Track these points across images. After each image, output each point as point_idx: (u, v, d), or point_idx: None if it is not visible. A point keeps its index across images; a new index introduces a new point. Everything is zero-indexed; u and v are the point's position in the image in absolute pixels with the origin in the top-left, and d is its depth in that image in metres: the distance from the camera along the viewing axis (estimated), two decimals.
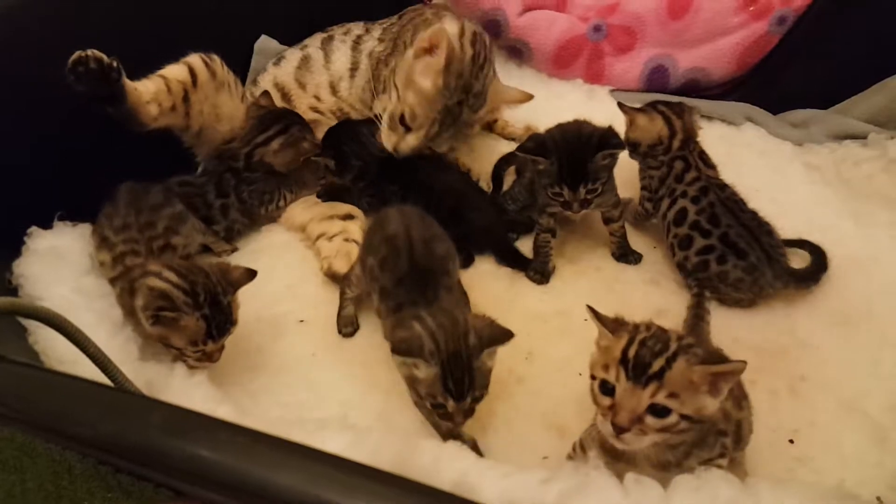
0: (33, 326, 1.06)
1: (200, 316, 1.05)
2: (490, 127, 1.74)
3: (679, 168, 1.34)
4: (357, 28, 1.68)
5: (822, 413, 1.10)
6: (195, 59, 1.40)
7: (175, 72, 1.36)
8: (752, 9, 1.66)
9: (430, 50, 1.35)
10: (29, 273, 1.14)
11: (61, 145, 1.28)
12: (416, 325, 1.00)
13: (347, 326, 1.28)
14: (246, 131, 1.46)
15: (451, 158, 1.56)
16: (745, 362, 0.78)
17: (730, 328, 1.22)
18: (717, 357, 0.83)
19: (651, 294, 1.33)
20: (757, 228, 1.27)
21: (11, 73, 1.25)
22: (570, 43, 1.79)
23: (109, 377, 0.92)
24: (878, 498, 0.94)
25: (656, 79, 1.77)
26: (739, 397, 0.93)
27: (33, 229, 1.20)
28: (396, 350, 0.99)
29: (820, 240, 1.38)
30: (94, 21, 1.40)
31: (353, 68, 1.63)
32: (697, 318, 1.18)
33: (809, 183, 1.51)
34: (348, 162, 1.47)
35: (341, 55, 1.65)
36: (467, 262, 1.40)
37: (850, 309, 1.26)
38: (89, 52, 1.16)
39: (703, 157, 1.37)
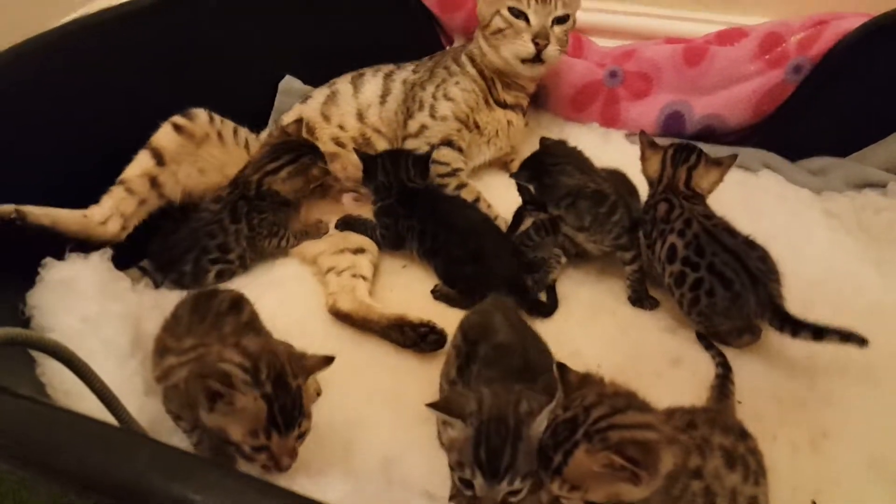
0: (41, 357, 1.06)
1: (261, 395, 0.86)
2: (507, 166, 1.75)
3: (663, 210, 1.31)
4: (388, 67, 1.75)
5: (846, 472, 1.05)
6: (161, 133, 1.43)
7: (134, 168, 1.39)
8: (767, 57, 1.66)
9: None
10: (41, 303, 1.14)
11: (75, 177, 1.32)
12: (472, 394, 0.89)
13: None
14: (258, 158, 1.48)
15: (475, 191, 1.59)
16: (635, 459, 0.74)
17: (749, 377, 1.19)
18: (634, 445, 0.76)
19: (667, 342, 1.30)
20: (746, 253, 1.23)
21: (30, 112, 1.30)
22: (586, 87, 1.81)
23: (113, 413, 0.91)
24: None
25: (672, 124, 1.77)
26: (758, 473, 0.90)
27: (47, 260, 1.21)
28: (435, 405, 0.87)
29: (840, 288, 1.36)
30: (117, 65, 1.46)
31: (384, 95, 1.69)
32: (723, 395, 1.15)
33: (829, 230, 1.48)
34: (374, 173, 1.49)
35: (372, 86, 1.70)
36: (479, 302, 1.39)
37: (873, 361, 1.21)
38: None
39: (691, 199, 1.31)
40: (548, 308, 1.37)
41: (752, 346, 1.28)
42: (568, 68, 1.81)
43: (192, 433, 1.00)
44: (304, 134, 1.62)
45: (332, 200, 1.62)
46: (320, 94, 1.72)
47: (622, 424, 0.78)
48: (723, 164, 1.33)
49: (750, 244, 1.25)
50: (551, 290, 1.41)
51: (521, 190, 1.39)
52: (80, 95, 1.38)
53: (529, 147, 1.60)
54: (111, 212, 1.34)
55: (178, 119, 1.45)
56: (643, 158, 1.39)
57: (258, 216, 1.45)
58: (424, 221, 1.45)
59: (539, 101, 1.86)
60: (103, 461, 0.61)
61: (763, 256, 1.24)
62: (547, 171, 1.33)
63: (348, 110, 1.68)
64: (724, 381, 1.17)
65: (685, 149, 1.35)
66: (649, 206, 1.35)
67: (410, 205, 1.47)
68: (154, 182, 1.41)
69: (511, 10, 1.55)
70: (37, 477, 0.62)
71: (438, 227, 1.43)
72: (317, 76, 1.76)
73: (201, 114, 1.48)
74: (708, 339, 1.27)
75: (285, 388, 0.89)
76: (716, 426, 0.91)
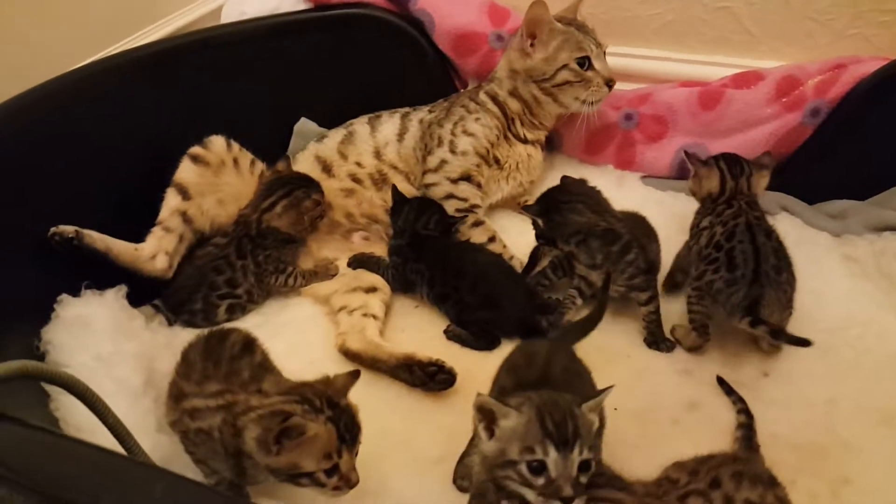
0: (55, 393, 1.07)
1: (326, 419, 0.91)
2: (521, 205, 1.76)
3: (721, 209, 1.38)
4: (403, 109, 1.79)
5: None
6: (182, 168, 1.49)
7: (167, 207, 1.48)
8: (784, 100, 1.67)
9: (532, 33, 1.63)
10: (56, 340, 1.16)
11: (91, 216, 1.35)
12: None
13: (465, 479, 1.11)
14: (254, 198, 1.52)
15: (491, 230, 1.60)
16: None
17: (767, 423, 1.16)
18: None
19: (683, 385, 1.28)
20: (766, 255, 1.27)
21: (50, 148, 1.33)
22: (601, 130, 1.82)
23: (126, 448, 0.91)
24: None
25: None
26: None
27: (63, 297, 1.22)
28: (478, 404, 0.85)
29: (862, 334, 1.34)
30: (134, 106, 1.50)
31: (402, 133, 1.72)
32: (749, 448, 1.12)
33: (848, 275, 1.46)
34: (398, 215, 1.53)
35: (389, 125, 1.74)
36: (493, 345, 1.38)
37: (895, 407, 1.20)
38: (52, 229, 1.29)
39: (751, 203, 1.38)
40: None
41: (770, 393, 1.25)
42: None
43: (212, 476, 1.01)
44: (321, 171, 1.65)
45: (342, 239, 1.63)
46: (337, 133, 1.75)
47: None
48: (767, 166, 1.44)
49: (776, 250, 1.30)
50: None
51: (533, 223, 1.41)
52: (98, 136, 1.42)
53: (545, 187, 1.62)
54: (156, 250, 1.42)
55: (194, 150, 1.51)
56: (696, 177, 1.45)
57: (263, 253, 1.48)
58: (432, 267, 1.46)
59: (553, 143, 1.87)
60: (118, 495, 0.60)
61: (778, 267, 1.28)
62: (557, 207, 1.35)
63: (365, 148, 1.71)
64: (748, 433, 1.14)
65: (736, 161, 1.44)
66: (709, 211, 1.40)
67: (419, 249, 1.49)
68: (185, 217, 1.48)
69: (579, 61, 1.61)
70: None
71: (447, 273, 1.44)
72: (332, 119, 1.80)
73: (217, 140, 1.54)
74: (728, 384, 1.25)
75: (339, 407, 0.94)
76: (743, 479, 0.88)
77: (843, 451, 1.13)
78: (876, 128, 1.61)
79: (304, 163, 1.69)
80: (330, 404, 0.93)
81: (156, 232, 1.45)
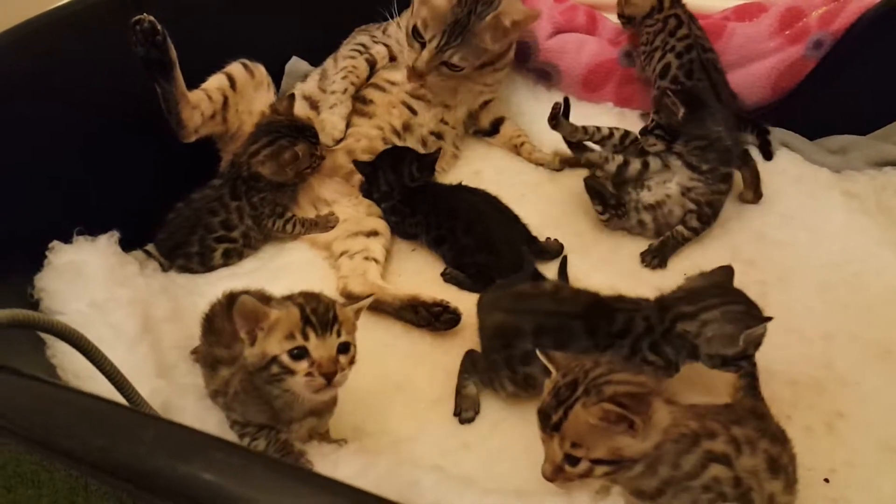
0: (52, 340, 1.06)
1: (294, 304, 0.88)
2: (518, 151, 1.72)
3: (672, 24, 1.57)
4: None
5: (861, 452, 1.04)
6: (235, 65, 1.52)
7: (213, 82, 1.48)
8: (787, 32, 1.62)
9: None
10: (49, 287, 1.15)
11: (84, 162, 1.33)
12: None
13: (468, 410, 1.15)
14: (247, 139, 1.48)
15: None
16: (625, 405, 0.76)
17: (764, 360, 1.16)
18: (625, 396, 0.79)
19: None
20: (722, 87, 1.51)
21: (39, 91, 1.28)
22: (599, 67, 1.77)
23: (123, 394, 0.91)
24: None
25: None
26: (793, 480, 0.90)
27: (55, 244, 1.20)
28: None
29: (859, 270, 1.34)
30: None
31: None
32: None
33: (848, 211, 1.45)
34: (377, 183, 1.49)
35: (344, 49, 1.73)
36: (489, 287, 1.38)
37: (892, 342, 1.20)
38: (144, 14, 1.28)
39: (694, 19, 1.60)
40: None
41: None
42: (580, 46, 1.77)
43: (245, 436, 0.99)
44: (309, 109, 1.61)
45: (343, 181, 1.58)
46: (315, 73, 1.72)
47: (617, 381, 0.82)
48: None
49: (727, 85, 1.57)
50: (562, 271, 1.39)
51: (667, 109, 1.40)
52: (76, 81, 1.34)
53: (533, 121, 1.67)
54: (197, 103, 1.42)
55: (244, 60, 1.54)
56: (627, 4, 1.63)
57: (258, 195, 1.45)
58: (428, 214, 1.45)
59: (551, 80, 1.82)
60: (107, 442, 0.61)
61: (734, 95, 1.57)
62: (705, 105, 1.40)
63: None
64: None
65: None
66: (656, 21, 1.59)
67: (413, 202, 1.47)
68: (225, 102, 1.49)
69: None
70: (52, 459, 0.62)
71: (440, 216, 1.43)
72: (324, 57, 1.74)
73: (261, 66, 1.58)
74: None
75: (317, 298, 0.91)
76: (765, 435, 0.89)
77: (838, 386, 1.14)
78: (880, 60, 1.57)
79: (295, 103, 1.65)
80: (308, 295, 0.91)
81: (196, 93, 1.43)
